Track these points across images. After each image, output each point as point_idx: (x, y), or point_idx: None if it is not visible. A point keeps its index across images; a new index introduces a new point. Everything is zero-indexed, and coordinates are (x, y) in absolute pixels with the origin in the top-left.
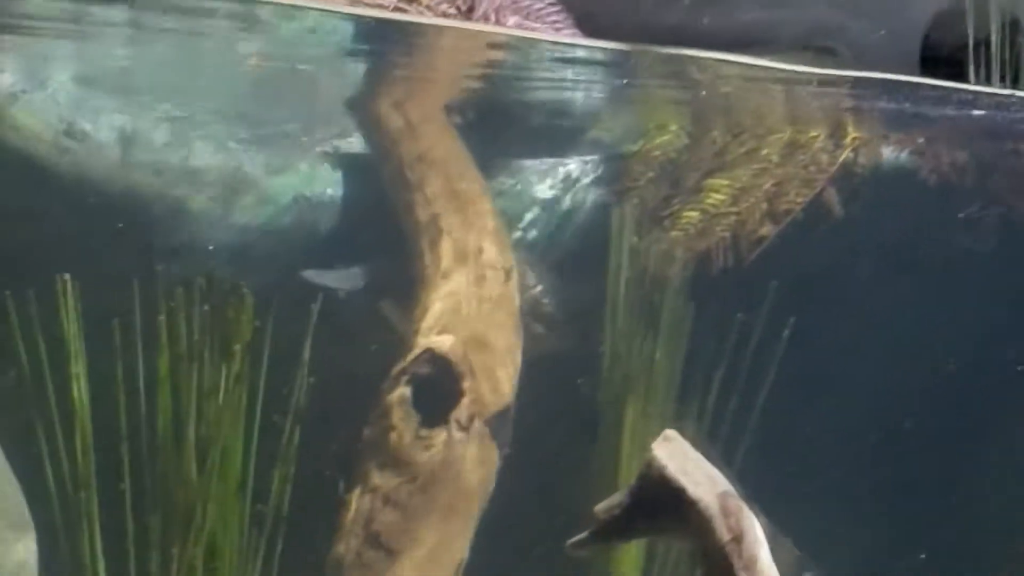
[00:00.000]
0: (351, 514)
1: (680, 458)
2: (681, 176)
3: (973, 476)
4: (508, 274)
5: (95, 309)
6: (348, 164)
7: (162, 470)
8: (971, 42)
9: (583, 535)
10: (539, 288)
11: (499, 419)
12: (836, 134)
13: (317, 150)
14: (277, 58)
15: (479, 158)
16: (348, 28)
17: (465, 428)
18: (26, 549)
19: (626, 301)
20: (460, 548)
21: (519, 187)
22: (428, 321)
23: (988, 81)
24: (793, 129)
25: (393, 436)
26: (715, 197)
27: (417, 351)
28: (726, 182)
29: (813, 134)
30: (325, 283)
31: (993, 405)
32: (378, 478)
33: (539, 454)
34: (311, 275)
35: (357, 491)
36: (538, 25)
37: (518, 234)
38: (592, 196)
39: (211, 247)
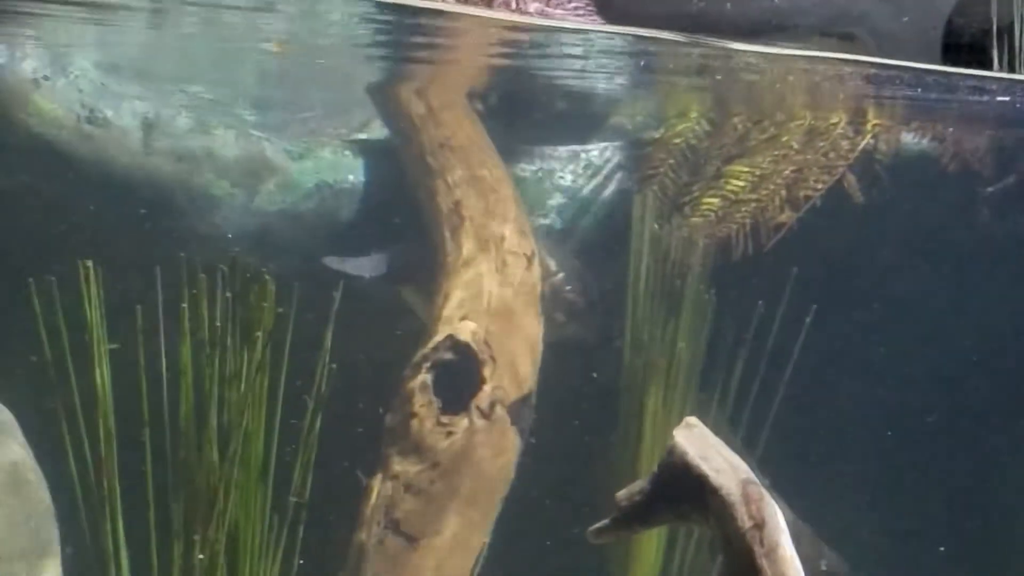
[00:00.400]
0: (372, 501)
1: (702, 445)
2: (702, 163)
3: (997, 466)
4: (530, 261)
5: (117, 295)
6: (370, 151)
7: (184, 456)
8: (995, 29)
9: (604, 522)
10: (561, 275)
11: (520, 406)
12: (856, 121)
13: (340, 137)
14: (299, 44)
15: (501, 145)
16: (371, 13)
17: (486, 415)
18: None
19: (647, 288)
20: (481, 535)
21: (541, 174)
22: (450, 308)
23: (1012, 68)
24: (813, 116)
25: (415, 423)
26: (735, 184)
27: (439, 338)
28: (746, 169)
29: (833, 121)
30: (347, 270)
31: (1017, 393)
32: (399, 465)
33: (560, 442)
34: (333, 261)
35: (379, 478)
36: (559, 12)
37: (540, 221)
38: (613, 183)
39: (233, 234)
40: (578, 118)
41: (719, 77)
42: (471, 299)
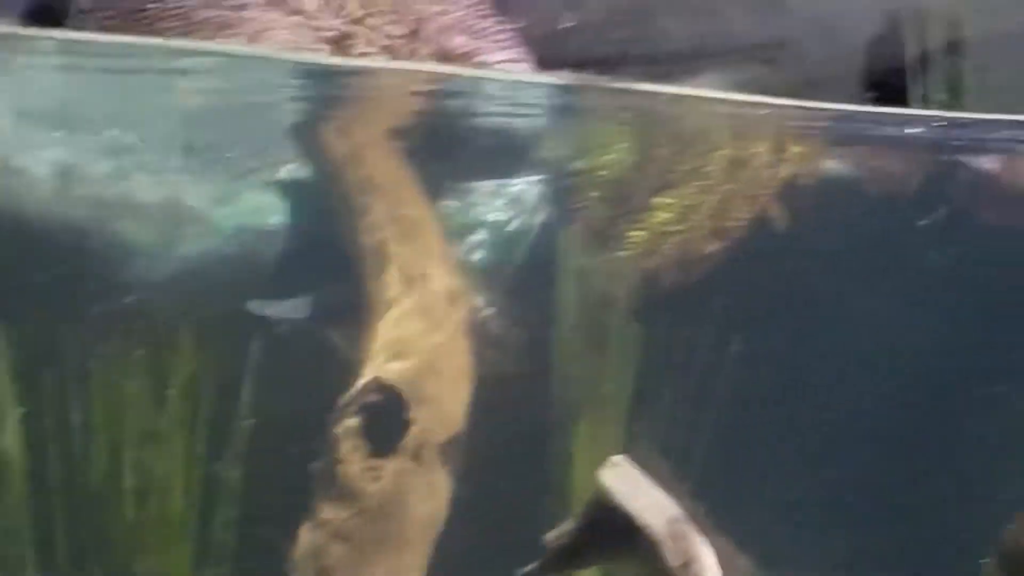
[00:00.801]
0: (301, 550)
1: (629, 484)
2: (628, 195)
3: (930, 490)
4: (456, 298)
5: (27, 355)
6: (293, 192)
7: (100, 519)
8: (910, 61)
9: (534, 565)
10: (488, 311)
11: (450, 446)
12: (778, 149)
13: (261, 178)
14: (215, 92)
15: (425, 181)
16: (287, 69)
17: (415, 457)
18: None
19: (575, 322)
20: None
21: (465, 210)
22: (376, 349)
23: (926, 102)
24: (735, 145)
25: (341, 468)
26: (661, 215)
27: (365, 380)
28: (672, 200)
29: (755, 150)
30: (270, 313)
31: (945, 415)
32: (327, 512)
33: (491, 481)
34: (256, 306)
35: (306, 526)
36: (484, 44)
37: (466, 257)
38: (539, 217)
39: (151, 283)
40: (502, 153)
41: (642, 110)
42: (397, 339)
